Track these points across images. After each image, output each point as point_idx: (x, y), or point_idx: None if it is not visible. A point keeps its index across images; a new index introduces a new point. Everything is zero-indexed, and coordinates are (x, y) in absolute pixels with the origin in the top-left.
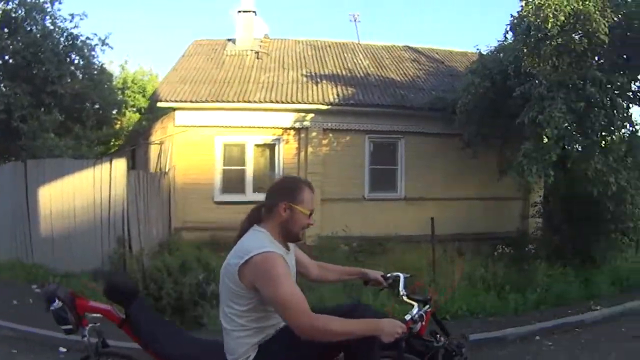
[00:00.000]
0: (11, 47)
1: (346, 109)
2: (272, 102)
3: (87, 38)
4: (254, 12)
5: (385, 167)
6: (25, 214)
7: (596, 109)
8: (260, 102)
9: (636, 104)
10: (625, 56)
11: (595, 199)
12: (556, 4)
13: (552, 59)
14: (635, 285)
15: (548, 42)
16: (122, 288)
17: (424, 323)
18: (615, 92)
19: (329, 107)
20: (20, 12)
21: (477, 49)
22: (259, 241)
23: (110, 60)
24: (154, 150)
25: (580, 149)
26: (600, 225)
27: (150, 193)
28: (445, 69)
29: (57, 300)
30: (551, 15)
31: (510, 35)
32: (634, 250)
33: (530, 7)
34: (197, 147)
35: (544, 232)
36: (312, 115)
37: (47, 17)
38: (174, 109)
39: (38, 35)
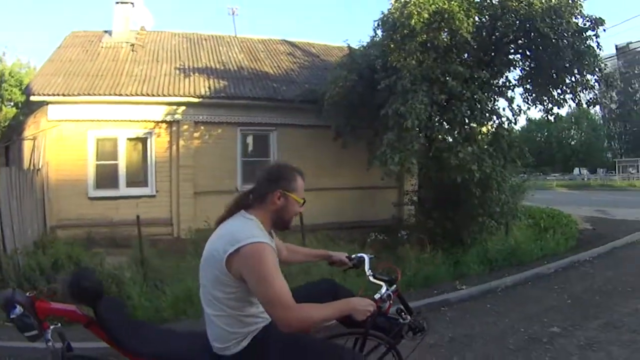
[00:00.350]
0: None
1: (217, 101)
2: (143, 95)
3: None
4: (131, 3)
5: (257, 159)
6: None
7: (459, 101)
8: (132, 95)
9: (503, 98)
10: (492, 54)
11: (463, 186)
12: (421, 3)
13: (417, 54)
14: (504, 265)
15: (413, 38)
16: (89, 288)
17: (391, 302)
18: (484, 86)
19: (200, 100)
20: None
21: (347, 44)
22: (249, 229)
23: None
24: (27, 146)
25: (449, 139)
26: (468, 210)
27: (24, 191)
28: (321, 63)
29: (17, 307)
30: (415, 13)
31: (379, 31)
32: (504, 233)
33: (398, 4)
34: (70, 141)
35: (417, 218)
36: (183, 108)
37: None
38: (47, 103)
39: None
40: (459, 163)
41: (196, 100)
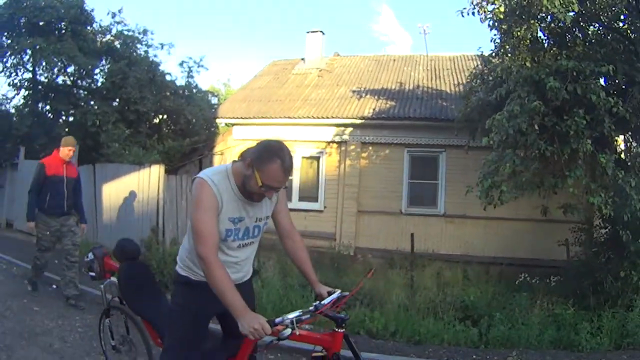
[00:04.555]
0: (105, 73)
1: (381, 122)
2: (310, 117)
3: (183, 62)
4: (321, 32)
5: (425, 182)
6: (93, 205)
7: (574, 109)
8: (301, 117)
9: None
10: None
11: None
12: None
13: (517, 53)
14: None
15: (510, 33)
16: (123, 250)
17: (296, 331)
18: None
19: (364, 121)
20: (117, 43)
21: (480, 52)
22: (211, 169)
23: (217, 78)
24: (217, 160)
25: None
26: (622, 258)
27: None
28: None
29: (90, 255)
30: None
31: (494, 32)
32: None
33: None
34: None
35: (573, 263)
36: (350, 129)
37: (141, 47)
38: (232, 125)
39: (125, 63)
40: (574, 193)
41: (359, 121)
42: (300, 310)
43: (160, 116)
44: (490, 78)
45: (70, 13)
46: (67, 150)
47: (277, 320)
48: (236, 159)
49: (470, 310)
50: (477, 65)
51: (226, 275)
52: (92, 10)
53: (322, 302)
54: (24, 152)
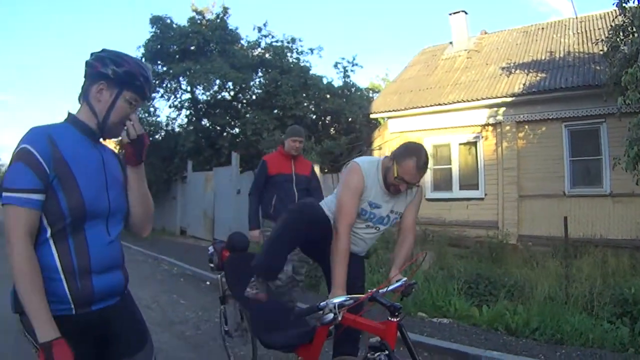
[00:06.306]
0: (259, 83)
1: (532, 97)
2: (460, 101)
3: (337, 63)
4: (464, 11)
5: (587, 159)
6: None
7: None
8: (451, 103)
9: None
10: None
11: None
12: None
13: None
14: None
15: None
16: (232, 242)
17: (338, 318)
18: None
19: (514, 98)
20: (268, 54)
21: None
22: (366, 158)
23: (375, 74)
24: (376, 155)
25: None
26: None
27: None
28: None
29: (211, 248)
30: None
31: None
32: None
33: None
34: None
35: None
36: (503, 109)
37: (291, 54)
38: (387, 118)
39: (277, 72)
40: None
41: (510, 99)
42: (348, 296)
43: (322, 118)
44: (634, 29)
45: (216, 34)
46: (291, 142)
47: (322, 304)
48: (387, 155)
49: (631, 305)
50: (616, 16)
51: (347, 251)
52: (237, 28)
53: (380, 290)
54: (191, 165)
